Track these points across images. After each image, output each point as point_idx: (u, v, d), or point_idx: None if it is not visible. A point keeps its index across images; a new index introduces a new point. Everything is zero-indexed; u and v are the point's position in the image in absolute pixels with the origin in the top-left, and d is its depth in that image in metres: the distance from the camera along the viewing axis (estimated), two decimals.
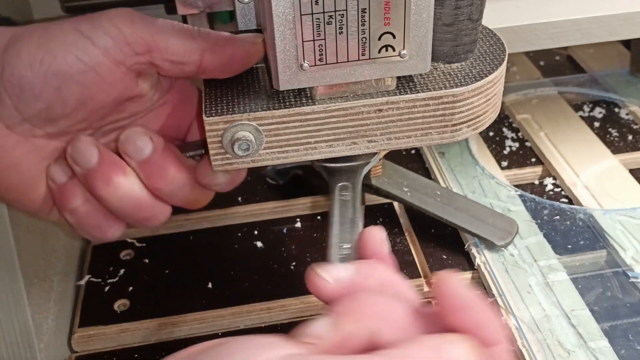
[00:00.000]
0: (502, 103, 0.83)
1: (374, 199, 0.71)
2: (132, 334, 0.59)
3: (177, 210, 0.71)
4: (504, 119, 0.82)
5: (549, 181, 0.72)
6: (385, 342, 0.31)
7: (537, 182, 0.73)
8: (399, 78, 0.42)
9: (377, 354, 0.30)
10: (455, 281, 0.32)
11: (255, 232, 0.68)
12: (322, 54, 0.39)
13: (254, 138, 0.41)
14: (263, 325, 0.59)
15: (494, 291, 0.58)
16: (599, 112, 0.82)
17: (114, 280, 0.64)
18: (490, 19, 0.47)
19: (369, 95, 0.42)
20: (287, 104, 0.41)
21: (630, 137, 0.78)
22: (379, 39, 0.39)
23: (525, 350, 0.53)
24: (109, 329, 0.59)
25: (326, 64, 0.39)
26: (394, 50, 0.40)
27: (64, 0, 0.60)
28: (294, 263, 0.63)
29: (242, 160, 0.42)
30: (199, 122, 0.46)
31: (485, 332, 0.32)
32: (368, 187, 0.65)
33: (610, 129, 0.79)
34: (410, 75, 0.43)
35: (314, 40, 0.38)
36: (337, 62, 0.39)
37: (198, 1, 0.45)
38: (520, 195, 0.69)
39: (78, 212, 0.44)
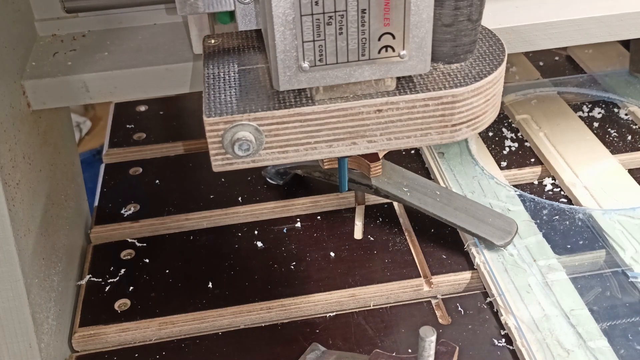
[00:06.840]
0: (502, 103, 0.83)
1: (374, 199, 0.71)
2: (132, 334, 0.59)
3: (177, 210, 0.72)
4: (503, 119, 0.82)
5: (548, 181, 0.72)
6: None
7: (536, 182, 0.73)
8: (398, 78, 0.42)
9: None
10: None
11: (255, 232, 0.68)
12: (322, 55, 0.39)
13: (254, 138, 0.41)
14: (263, 325, 0.59)
15: (494, 291, 0.58)
16: (598, 113, 0.82)
17: (115, 280, 0.64)
18: (490, 19, 0.47)
19: (369, 96, 0.42)
20: (287, 104, 0.41)
21: (629, 137, 0.78)
22: (379, 39, 0.39)
23: (524, 350, 0.53)
24: (110, 329, 0.59)
25: (326, 64, 0.39)
26: (393, 50, 0.40)
27: (64, 0, 0.60)
28: (294, 263, 0.64)
29: (242, 161, 0.42)
30: None
31: None
32: (368, 187, 0.66)
33: (609, 129, 0.79)
34: (410, 76, 0.43)
35: (314, 40, 0.38)
36: (337, 63, 0.40)
37: (198, 1, 0.45)
38: (520, 195, 0.69)
39: None
